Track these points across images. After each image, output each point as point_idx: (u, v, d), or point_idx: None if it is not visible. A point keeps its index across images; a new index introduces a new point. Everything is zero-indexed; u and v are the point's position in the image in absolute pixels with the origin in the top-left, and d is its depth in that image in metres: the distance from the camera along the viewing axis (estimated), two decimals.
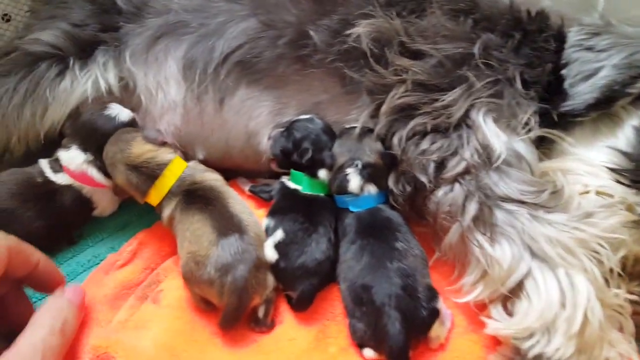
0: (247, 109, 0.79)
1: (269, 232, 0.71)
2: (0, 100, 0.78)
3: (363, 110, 0.76)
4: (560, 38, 0.78)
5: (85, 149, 0.76)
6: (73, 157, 0.76)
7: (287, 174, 0.79)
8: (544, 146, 0.77)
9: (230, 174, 0.83)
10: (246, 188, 0.82)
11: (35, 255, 0.60)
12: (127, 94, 0.81)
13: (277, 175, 0.81)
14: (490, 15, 0.77)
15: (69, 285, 0.64)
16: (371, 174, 0.72)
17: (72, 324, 0.56)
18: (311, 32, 0.74)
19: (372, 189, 0.72)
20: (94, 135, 0.75)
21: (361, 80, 0.74)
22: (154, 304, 0.69)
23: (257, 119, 0.79)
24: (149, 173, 0.71)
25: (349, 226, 0.70)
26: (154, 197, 0.72)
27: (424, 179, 0.67)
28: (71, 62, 0.79)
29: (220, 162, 0.82)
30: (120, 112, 0.77)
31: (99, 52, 0.80)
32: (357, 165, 0.72)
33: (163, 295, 0.70)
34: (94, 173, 0.77)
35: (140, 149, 0.72)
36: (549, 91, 0.76)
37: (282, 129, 0.78)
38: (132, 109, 0.80)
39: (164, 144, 0.75)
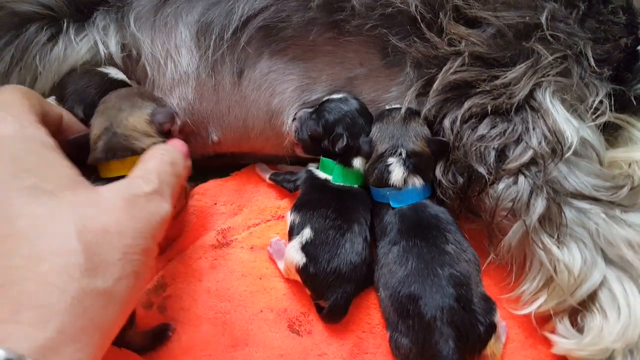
0: (270, 83, 0.68)
1: (294, 230, 0.61)
2: None
3: (406, 87, 0.65)
4: (630, 9, 0.68)
5: (62, 98, 0.63)
6: None
7: (314, 160, 0.69)
8: (607, 132, 0.68)
9: (248, 158, 0.74)
10: (267, 176, 0.71)
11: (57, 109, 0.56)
12: (130, 64, 0.69)
13: (301, 161, 0.71)
14: None
15: None
16: (416, 164, 0.62)
17: (180, 164, 0.52)
18: None
19: (417, 182, 0.62)
20: (78, 83, 0.64)
21: (407, 50, 0.63)
22: (161, 314, 0.60)
23: (281, 95, 0.68)
24: (118, 149, 0.55)
25: (389, 224, 0.61)
26: (105, 171, 0.56)
27: (482, 169, 0.58)
28: (65, 25, 0.66)
29: (237, 145, 0.72)
30: (112, 71, 0.66)
31: (98, 14, 0.68)
32: (400, 154, 0.62)
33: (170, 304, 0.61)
34: None
35: (138, 123, 0.57)
36: (619, 70, 0.66)
37: (310, 109, 0.68)
38: (137, 82, 0.69)
39: (166, 133, 0.59)
